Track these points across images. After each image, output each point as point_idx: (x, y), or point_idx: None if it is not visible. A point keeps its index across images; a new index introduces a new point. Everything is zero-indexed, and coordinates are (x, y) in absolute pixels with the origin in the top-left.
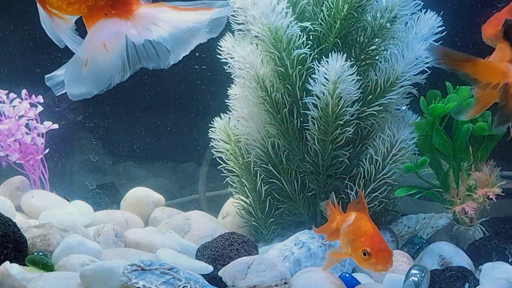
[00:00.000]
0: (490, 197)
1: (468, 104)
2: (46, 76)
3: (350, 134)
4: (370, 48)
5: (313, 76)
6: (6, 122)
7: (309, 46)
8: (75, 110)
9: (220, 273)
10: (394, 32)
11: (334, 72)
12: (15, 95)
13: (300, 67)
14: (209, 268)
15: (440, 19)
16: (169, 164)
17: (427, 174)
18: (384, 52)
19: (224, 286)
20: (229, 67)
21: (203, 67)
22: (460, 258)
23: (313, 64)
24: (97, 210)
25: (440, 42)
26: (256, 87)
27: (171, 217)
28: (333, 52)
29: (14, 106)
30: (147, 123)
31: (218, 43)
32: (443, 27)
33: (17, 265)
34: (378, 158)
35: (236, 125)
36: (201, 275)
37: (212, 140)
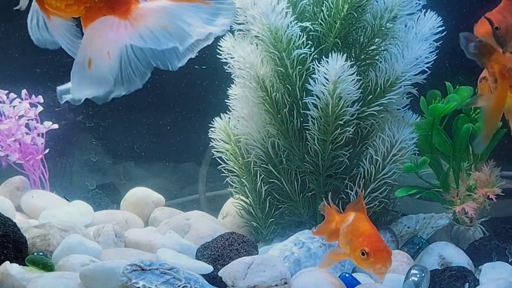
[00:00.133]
0: (490, 197)
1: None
2: (58, 88)
3: (350, 134)
4: (370, 48)
5: (313, 76)
6: (6, 122)
7: (309, 46)
8: (75, 110)
9: (220, 273)
10: (394, 32)
11: (334, 72)
12: (15, 95)
13: (300, 67)
14: (209, 268)
15: (441, 19)
16: (169, 164)
17: (427, 174)
18: (384, 52)
19: (224, 286)
20: (229, 67)
21: (203, 67)
22: (460, 258)
23: (313, 64)
24: (97, 210)
25: (440, 42)
26: (256, 87)
27: (171, 217)
28: (333, 52)
29: (14, 106)
30: (147, 123)
31: (218, 43)
32: (444, 27)
33: (17, 265)
34: (378, 158)
35: (236, 125)
36: (201, 275)
37: (212, 140)
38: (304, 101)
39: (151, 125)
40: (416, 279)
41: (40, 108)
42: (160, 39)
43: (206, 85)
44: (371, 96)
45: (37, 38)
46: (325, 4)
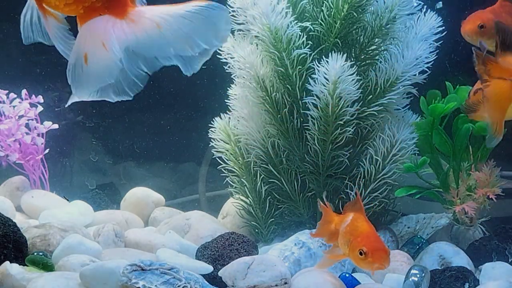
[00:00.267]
0: (490, 197)
1: None
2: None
3: (350, 134)
4: (370, 48)
5: (313, 76)
6: (6, 122)
7: (309, 46)
8: (75, 110)
9: (220, 273)
10: (394, 32)
11: (334, 72)
12: (15, 95)
13: (300, 67)
14: (209, 268)
15: (441, 18)
16: (169, 164)
17: (427, 174)
18: (384, 52)
19: (224, 286)
20: (229, 67)
21: (203, 67)
22: (460, 258)
23: (313, 64)
24: (97, 210)
25: (440, 42)
26: (256, 87)
27: (171, 217)
28: (333, 52)
29: (14, 106)
30: (147, 123)
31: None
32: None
33: (17, 265)
34: (378, 158)
35: (236, 125)
36: (201, 275)
37: (212, 140)
38: (304, 101)
39: (151, 125)
40: (416, 279)
41: (40, 108)
42: (154, 45)
43: (206, 85)
44: (371, 96)
45: (27, 36)
46: (325, 4)
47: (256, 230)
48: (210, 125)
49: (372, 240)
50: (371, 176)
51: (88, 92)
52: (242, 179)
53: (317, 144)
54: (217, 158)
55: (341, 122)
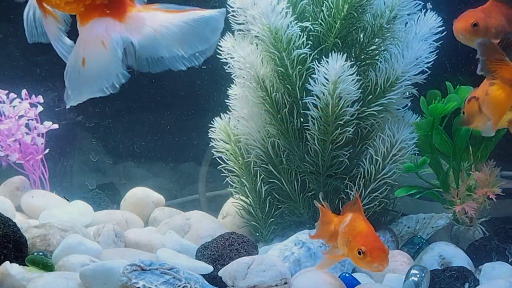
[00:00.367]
0: (490, 197)
1: None
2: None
3: (350, 134)
4: (370, 48)
5: (313, 76)
6: (6, 122)
7: (309, 46)
8: (75, 110)
9: (220, 273)
10: (394, 32)
11: (334, 72)
12: (15, 95)
13: (300, 67)
14: (209, 268)
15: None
16: (169, 164)
17: (427, 174)
18: (384, 52)
19: (224, 286)
20: (229, 67)
21: (203, 67)
22: (460, 258)
23: (313, 64)
24: (97, 210)
25: (440, 42)
26: (256, 87)
27: (171, 217)
28: (333, 52)
29: (14, 106)
30: (147, 123)
31: (218, 43)
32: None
33: (17, 265)
34: (378, 158)
35: (236, 125)
36: (201, 275)
37: (212, 140)
38: (304, 101)
39: (151, 125)
40: (416, 279)
41: (40, 108)
42: (152, 47)
43: (206, 85)
44: (371, 96)
45: (31, 34)
46: (325, 4)
47: (256, 230)
48: (210, 125)
49: (370, 239)
50: (371, 176)
51: (84, 96)
52: (242, 179)
53: (317, 144)
54: (217, 158)
55: (341, 122)
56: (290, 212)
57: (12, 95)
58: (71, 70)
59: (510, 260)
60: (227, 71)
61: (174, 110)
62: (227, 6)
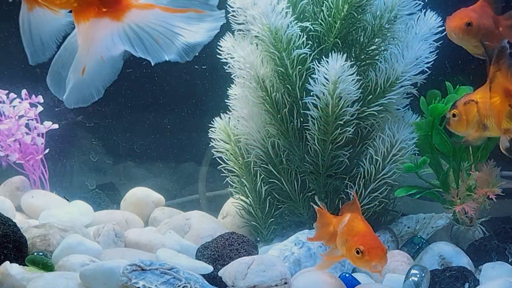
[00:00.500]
0: (490, 197)
1: None
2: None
3: (350, 134)
4: (370, 48)
5: (313, 76)
6: (6, 122)
7: (309, 46)
8: (75, 110)
9: (220, 273)
10: (394, 32)
11: (334, 72)
12: (15, 95)
13: (300, 67)
14: (209, 268)
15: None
16: (169, 164)
17: (427, 174)
18: (384, 52)
19: (224, 286)
20: (229, 67)
21: (203, 67)
22: (460, 258)
23: (313, 64)
24: (97, 210)
25: (440, 42)
26: (256, 87)
27: (171, 217)
28: (333, 52)
29: (14, 106)
30: (147, 123)
31: (218, 43)
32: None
33: (17, 265)
34: (378, 158)
35: (236, 125)
36: (201, 275)
37: (212, 140)
38: (304, 101)
39: (151, 125)
40: (416, 279)
41: (40, 108)
42: (146, 44)
43: (206, 85)
44: (371, 96)
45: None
46: (325, 4)
47: (256, 230)
48: (210, 125)
49: (368, 238)
50: (371, 176)
51: (76, 103)
52: (242, 179)
53: (317, 144)
54: (217, 158)
55: (341, 122)
56: (290, 212)
57: (12, 95)
58: (72, 76)
59: (510, 260)
60: (227, 71)
61: (174, 110)
62: (227, 6)
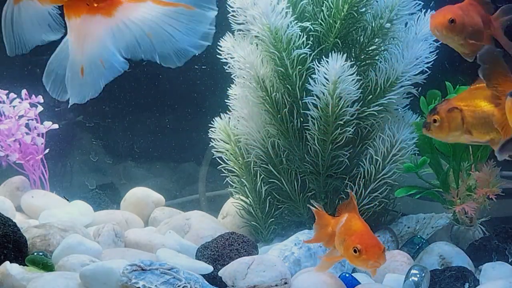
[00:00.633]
0: (490, 197)
1: None
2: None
3: (350, 134)
4: (370, 48)
5: (313, 76)
6: (6, 122)
7: (309, 46)
8: (75, 110)
9: (220, 273)
10: (394, 32)
11: (334, 72)
12: (15, 95)
13: (300, 67)
14: (209, 268)
15: None
16: (169, 164)
17: (427, 174)
18: (384, 52)
19: (224, 286)
20: (229, 67)
21: (203, 67)
22: (460, 258)
23: (313, 64)
24: (97, 210)
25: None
26: (256, 87)
27: (171, 217)
28: (333, 52)
29: (14, 106)
30: (147, 123)
31: (218, 43)
32: None
33: (17, 265)
34: (378, 158)
35: (236, 125)
36: (201, 275)
37: (212, 140)
38: (304, 101)
39: (151, 125)
40: (416, 279)
41: (40, 108)
42: (138, 44)
43: (206, 85)
44: (371, 96)
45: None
46: (325, 4)
47: (256, 230)
48: (210, 125)
49: (365, 237)
50: (371, 176)
51: (85, 98)
52: (242, 179)
53: (317, 144)
54: (217, 158)
55: (341, 122)
56: (290, 212)
57: (12, 95)
58: (71, 77)
59: (510, 260)
60: (227, 71)
61: (174, 110)
62: (227, 6)
